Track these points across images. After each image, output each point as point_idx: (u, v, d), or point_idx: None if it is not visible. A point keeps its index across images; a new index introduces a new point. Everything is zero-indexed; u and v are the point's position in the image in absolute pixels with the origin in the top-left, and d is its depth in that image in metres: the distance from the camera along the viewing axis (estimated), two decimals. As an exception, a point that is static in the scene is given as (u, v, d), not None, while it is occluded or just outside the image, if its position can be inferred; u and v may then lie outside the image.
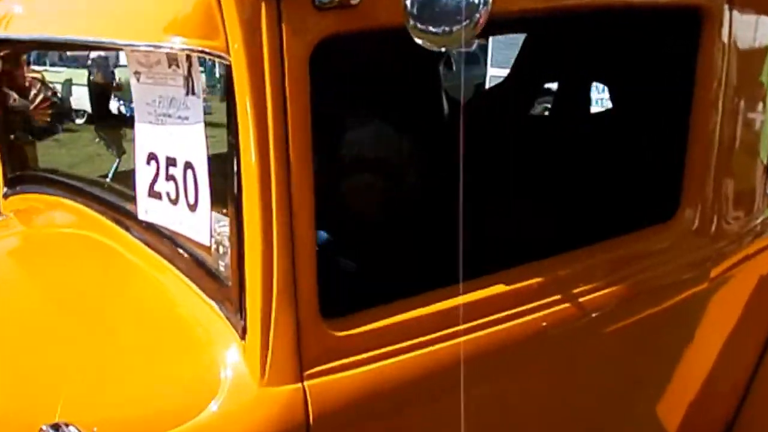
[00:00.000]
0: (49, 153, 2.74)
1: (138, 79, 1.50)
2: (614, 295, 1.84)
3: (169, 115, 1.43)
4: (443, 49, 1.23)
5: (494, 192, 2.48)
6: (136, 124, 1.53)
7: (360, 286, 1.57)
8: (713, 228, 1.99)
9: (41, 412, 1.24)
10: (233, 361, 1.34)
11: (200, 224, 1.41)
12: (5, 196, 2.29)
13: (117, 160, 2.52)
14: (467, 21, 1.16)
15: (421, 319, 1.45)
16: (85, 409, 1.26)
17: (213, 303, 1.41)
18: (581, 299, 1.74)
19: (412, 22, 1.17)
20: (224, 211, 1.35)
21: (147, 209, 1.56)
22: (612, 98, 2.37)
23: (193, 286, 1.47)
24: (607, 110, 2.57)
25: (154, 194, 1.52)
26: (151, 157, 1.51)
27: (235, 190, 1.28)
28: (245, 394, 1.32)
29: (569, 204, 2.28)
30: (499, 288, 1.61)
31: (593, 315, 1.80)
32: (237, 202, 1.28)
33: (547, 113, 2.62)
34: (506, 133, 2.48)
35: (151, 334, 1.43)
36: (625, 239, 1.90)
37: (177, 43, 1.27)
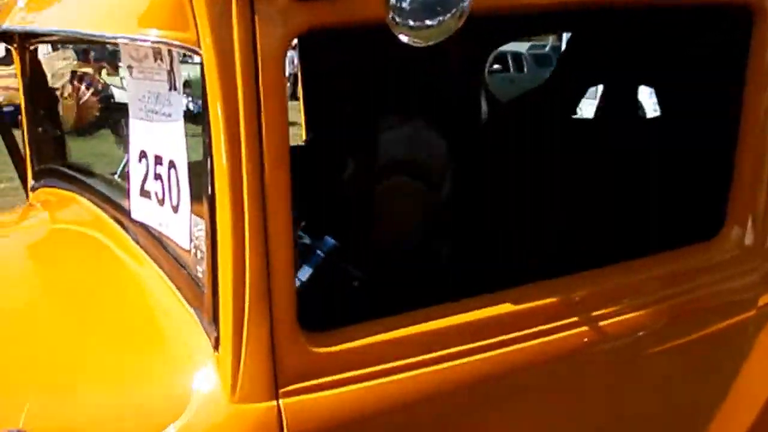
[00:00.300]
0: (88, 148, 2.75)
1: (131, 74, 1.44)
2: (646, 319, 1.68)
3: (156, 112, 1.37)
4: (430, 43, 1.12)
5: (523, 201, 2.34)
6: (130, 120, 1.48)
7: (348, 300, 1.47)
8: (764, 248, 1.79)
9: (5, 414, 1.20)
10: (206, 374, 1.26)
11: (181, 227, 1.34)
12: (32, 189, 2.30)
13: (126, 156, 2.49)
14: (453, 11, 1.05)
15: (413, 339, 1.34)
16: (49, 418, 1.20)
17: (192, 311, 1.34)
18: (604, 322, 1.58)
19: (392, 16, 1.06)
20: (202, 213, 1.28)
21: (139, 208, 1.50)
22: (658, 103, 2.19)
23: (177, 291, 1.40)
24: (654, 117, 2.39)
25: (144, 193, 1.47)
26: (143, 154, 1.45)
27: (209, 192, 1.20)
28: (216, 410, 1.23)
29: (601, 216, 2.12)
30: (508, 307, 1.47)
31: (620, 340, 1.64)
32: (211, 205, 1.20)
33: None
34: (542, 139, 2.33)
35: (128, 340, 1.37)
36: (661, 258, 1.73)
37: (151, 36, 1.20)
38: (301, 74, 3.08)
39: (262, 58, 1.11)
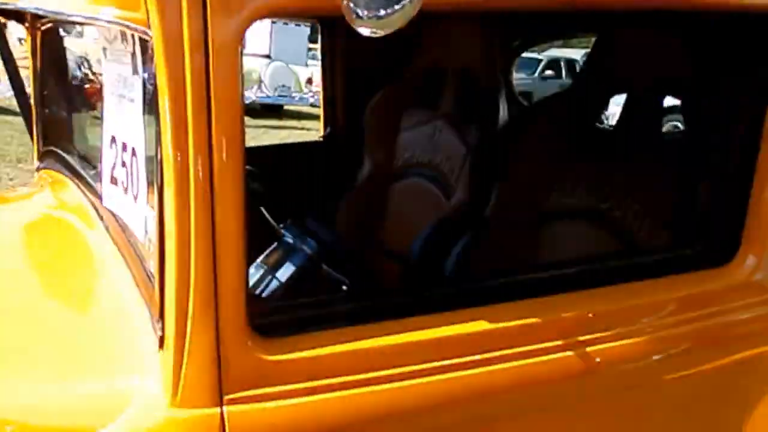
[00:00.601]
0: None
1: (105, 56, 1.39)
2: (649, 346, 1.56)
3: (123, 96, 1.31)
4: (381, 33, 1.03)
5: (532, 212, 2.22)
6: (104, 104, 1.43)
7: (310, 305, 1.38)
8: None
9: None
10: (149, 374, 1.19)
11: (138, 217, 1.28)
12: (37, 169, 2.29)
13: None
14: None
15: (372, 352, 1.25)
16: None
17: (145, 305, 1.28)
18: (596, 347, 1.46)
19: (347, 2, 0.98)
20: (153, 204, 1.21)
21: (109, 196, 1.45)
22: (683, 116, 2.04)
23: (136, 285, 1.34)
24: (676, 131, 2.24)
25: (113, 180, 1.41)
26: (113, 140, 1.40)
27: (158, 183, 1.13)
28: (155, 414, 1.16)
29: (611, 232, 1.99)
30: (484, 324, 1.37)
31: (617, 368, 1.52)
32: (159, 196, 1.14)
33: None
34: (556, 147, 2.21)
35: (78, 332, 1.32)
36: (668, 282, 1.61)
37: (107, 15, 1.14)
38: (322, 68, 3.01)
39: (214, 43, 1.04)
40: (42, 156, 2.26)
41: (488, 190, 2.35)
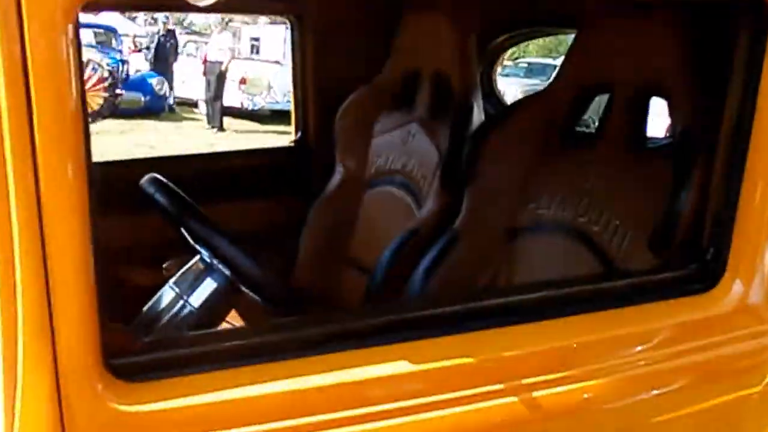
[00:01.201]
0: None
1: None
2: (617, 387, 1.33)
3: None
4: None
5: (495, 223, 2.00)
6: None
7: (193, 340, 1.16)
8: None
9: None
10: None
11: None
12: None
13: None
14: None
15: (279, 398, 1.03)
16: None
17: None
18: (557, 389, 1.23)
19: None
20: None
21: None
22: (671, 119, 1.81)
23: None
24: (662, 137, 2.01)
25: None
26: None
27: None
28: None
29: (584, 249, 1.77)
30: (420, 364, 1.15)
31: (585, 410, 1.30)
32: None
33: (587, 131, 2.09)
34: (534, 152, 1.99)
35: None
36: (641, 310, 1.38)
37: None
38: (292, 67, 2.81)
39: (31, 29, 0.83)
40: None
41: (460, 199, 2.14)
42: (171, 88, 13.21)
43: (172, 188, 1.43)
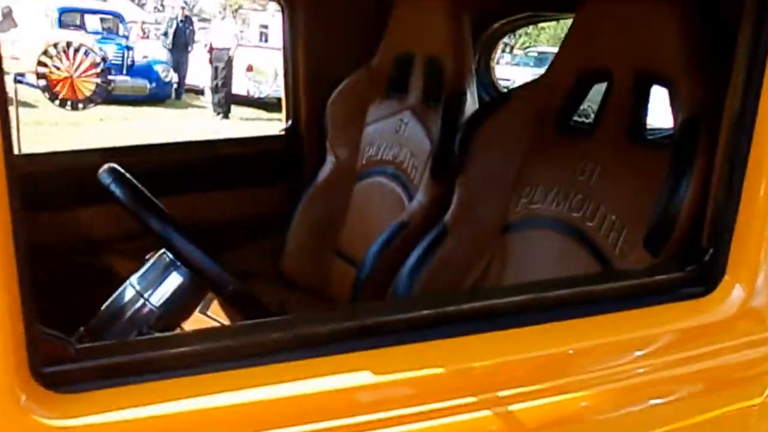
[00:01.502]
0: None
1: None
2: (606, 398, 1.23)
3: None
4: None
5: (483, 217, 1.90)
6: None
7: (138, 345, 1.07)
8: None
9: None
10: None
11: None
12: None
13: None
14: None
15: (238, 410, 0.94)
16: None
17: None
18: (542, 401, 1.14)
19: None
20: None
21: None
22: (672, 110, 1.70)
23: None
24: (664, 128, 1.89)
25: None
26: None
27: None
28: None
29: (578, 247, 1.67)
30: (392, 373, 1.05)
31: (573, 423, 1.20)
32: None
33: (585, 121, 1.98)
34: (527, 142, 1.89)
35: None
36: (633, 316, 1.28)
37: None
38: (283, 52, 2.71)
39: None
40: None
41: (452, 191, 2.04)
42: (184, 76, 13.10)
43: (127, 178, 1.34)
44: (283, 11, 2.67)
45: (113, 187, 1.31)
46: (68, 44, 5.26)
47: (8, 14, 10.04)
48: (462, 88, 2.13)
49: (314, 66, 2.65)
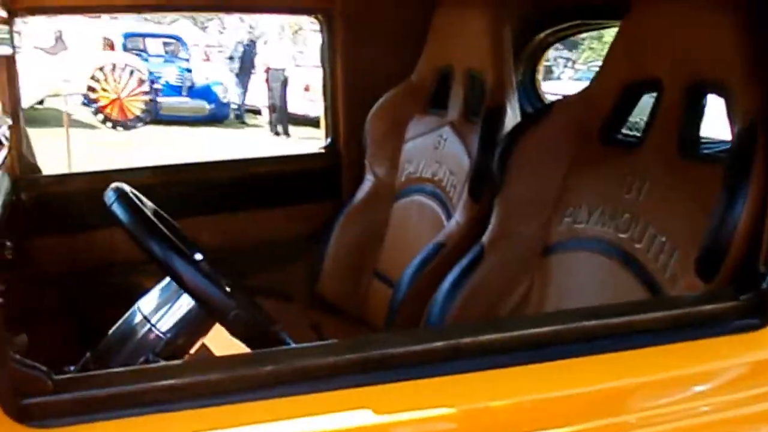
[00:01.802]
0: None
1: None
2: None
3: None
4: None
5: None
6: None
7: (127, 376, 0.98)
8: None
9: None
10: None
11: None
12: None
13: None
14: None
15: None
16: None
17: None
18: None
19: None
20: None
21: None
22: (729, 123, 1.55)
23: None
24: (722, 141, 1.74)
25: None
26: None
27: None
28: None
29: (624, 272, 1.53)
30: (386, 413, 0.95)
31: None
32: None
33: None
34: (570, 158, 1.77)
35: None
36: (681, 350, 1.15)
37: None
38: (322, 69, 2.66)
39: None
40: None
41: (491, 210, 1.93)
42: (244, 96, 13.30)
43: (130, 199, 1.26)
44: (321, 28, 2.62)
45: (114, 208, 1.24)
46: (114, 66, 5.34)
47: (59, 38, 10.35)
48: (502, 103, 2.02)
49: (353, 82, 2.58)
